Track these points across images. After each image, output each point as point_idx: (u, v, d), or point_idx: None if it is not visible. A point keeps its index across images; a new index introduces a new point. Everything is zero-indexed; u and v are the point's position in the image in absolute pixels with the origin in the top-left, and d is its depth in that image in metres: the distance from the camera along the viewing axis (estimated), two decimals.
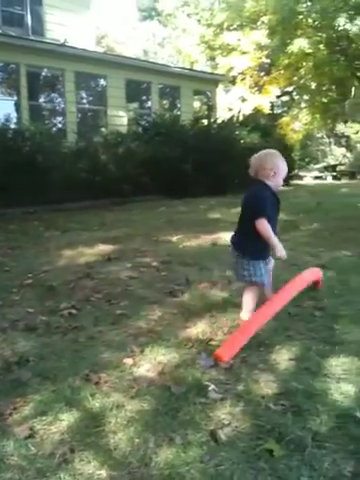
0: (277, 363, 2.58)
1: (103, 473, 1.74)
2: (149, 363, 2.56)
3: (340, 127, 29.12)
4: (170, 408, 2.11)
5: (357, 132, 27.82)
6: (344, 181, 19.55)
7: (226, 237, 6.28)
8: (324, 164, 25.27)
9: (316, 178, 20.68)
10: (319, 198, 10.71)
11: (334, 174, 21.34)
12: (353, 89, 21.68)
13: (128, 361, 2.58)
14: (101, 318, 3.31)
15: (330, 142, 31.40)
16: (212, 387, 2.25)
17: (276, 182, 3.13)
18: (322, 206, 9.33)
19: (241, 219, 3.23)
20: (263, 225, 2.98)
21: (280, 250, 2.99)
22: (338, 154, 29.99)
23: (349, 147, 29.52)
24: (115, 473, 1.73)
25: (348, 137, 29.26)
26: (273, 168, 3.07)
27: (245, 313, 3.18)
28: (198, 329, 3.04)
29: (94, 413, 2.09)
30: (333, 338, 2.88)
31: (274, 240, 3.00)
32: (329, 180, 20.27)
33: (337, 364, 2.54)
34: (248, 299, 3.19)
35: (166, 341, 2.85)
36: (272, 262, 3.31)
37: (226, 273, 4.47)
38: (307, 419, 2.03)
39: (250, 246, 3.11)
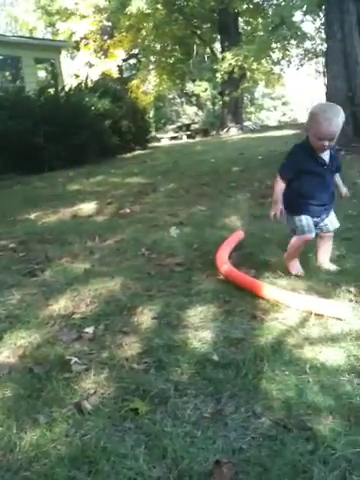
0: (140, 324, 2.63)
1: None
2: (8, 349, 2.45)
3: (189, 86, 29.81)
4: (33, 390, 2.06)
5: (205, 90, 28.71)
6: (198, 139, 20.16)
7: (86, 208, 6.22)
8: (179, 124, 25.79)
9: (172, 139, 21.04)
10: (175, 158, 10.97)
11: (188, 133, 21.90)
12: (195, 47, 22.20)
13: None
14: None
15: (182, 102, 32.08)
16: (75, 360, 2.23)
17: (313, 142, 2.85)
18: (178, 165, 9.57)
19: None
20: (274, 182, 3.00)
21: (272, 209, 2.95)
22: (191, 113, 30.81)
23: (200, 105, 30.43)
24: None
25: (198, 96, 30.08)
26: (310, 124, 2.83)
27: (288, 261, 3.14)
28: (60, 305, 2.97)
29: None
30: (191, 290, 3.00)
31: (274, 199, 2.96)
32: (184, 139, 20.77)
33: (195, 314, 2.67)
34: (290, 246, 3.11)
35: (26, 323, 2.74)
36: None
37: (87, 244, 4.42)
38: (169, 371, 2.11)
39: (284, 200, 2.99)
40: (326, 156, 2.93)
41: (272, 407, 1.83)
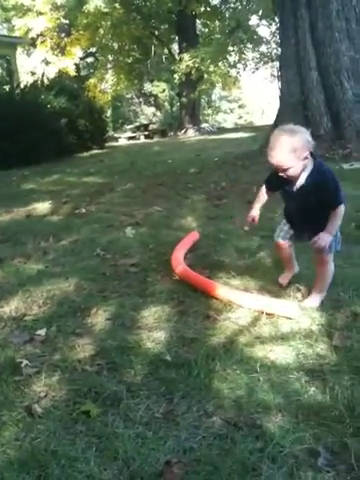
0: (93, 325, 2.61)
1: None
2: None
3: (147, 86, 29.78)
4: None
5: (163, 91, 28.74)
6: (156, 139, 20.16)
7: (41, 208, 6.11)
8: (137, 124, 25.70)
9: (130, 139, 20.93)
10: (133, 158, 10.94)
11: (146, 133, 21.86)
12: (153, 48, 22.20)
13: None
14: None
15: (140, 102, 31.99)
16: (25, 362, 2.19)
17: None
18: (135, 165, 9.54)
19: None
20: None
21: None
22: (149, 113, 30.78)
23: (158, 106, 30.44)
24: None
25: (156, 96, 30.09)
26: None
27: None
28: (11, 307, 2.91)
29: None
30: (146, 291, 3.00)
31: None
32: (142, 139, 20.71)
33: (149, 314, 2.67)
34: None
35: None
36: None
37: (41, 244, 4.34)
38: (122, 373, 2.11)
39: None
40: (298, 182, 2.52)
41: (223, 406, 1.85)
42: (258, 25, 20.55)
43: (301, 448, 1.61)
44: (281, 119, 8.56)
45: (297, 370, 2.04)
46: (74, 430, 1.77)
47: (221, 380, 2.00)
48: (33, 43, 22.54)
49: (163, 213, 5.15)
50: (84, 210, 5.73)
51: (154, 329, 2.49)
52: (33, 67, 23.05)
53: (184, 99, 20.45)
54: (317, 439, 1.66)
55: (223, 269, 3.24)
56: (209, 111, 36.63)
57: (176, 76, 18.62)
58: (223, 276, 3.12)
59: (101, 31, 20.39)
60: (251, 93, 39.54)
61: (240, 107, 41.91)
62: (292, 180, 2.51)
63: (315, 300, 2.64)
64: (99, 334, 2.51)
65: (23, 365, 2.19)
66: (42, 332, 2.55)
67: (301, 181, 2.51)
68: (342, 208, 2.47)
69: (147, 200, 5.99)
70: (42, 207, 6.12)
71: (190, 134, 19.65)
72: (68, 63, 22.22)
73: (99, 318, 2.69)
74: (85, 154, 13.44)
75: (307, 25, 8.13)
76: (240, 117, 40.96)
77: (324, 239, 2.43)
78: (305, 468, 1.54)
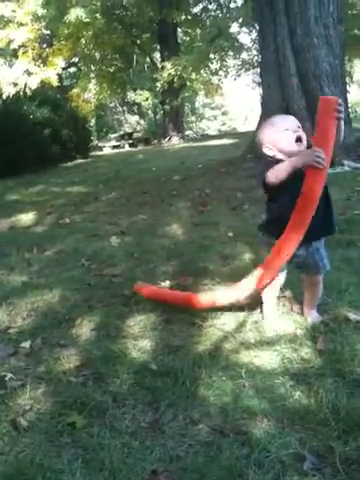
0: (78, 336, 2.60)
1: None
2: None
3: (131, 95, 29.81)
4: None
5: (147, 99, 28.76)
6: (140, 147, 20.19)
7: (25, 219, 6.07)
8: (121, 133, 25.71)
9: (115, 147, 20.94)
10: (117, 167, 10.93)
11: (131, 142, 21.89)
12: (135, 57, 22.26)
13: None
14: None
15: (124, 111, 32.01)
16: (10, 376, 2.17)
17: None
18: (120, 174, 9.54)
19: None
20: None
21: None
22: (132, 122, 30.83)
23: (141, 114, 30.49)
24: None
25: (139, 105, 30.13)
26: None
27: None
28: None
29: None
30: (131, 300, 2.99)
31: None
32: (127, 148, 20.72)
33: (135, 323, 2.67)
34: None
35: None
36: None
37: (25, 255, 4.31)
38: (107, 383, 2.10)
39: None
40: None
41: (209, 413, 1.85)
42: (239, 32, 20.72)
43: (287, 453, 1.62)
44: None
45: (282, 375, 2.05)
46: (60, 442, 1.76)
47: (207, 387, 2.00)
48: (15, 54, 22.48)
49: (148, 221, 5.16)
50: (68, 220, 5.71)
51: (139, 338, 2.49)
52: (15, 78, 22.96)
53: (167, 107, 20.49)
54: (303, 443, 1.66)
55: (207, 276, 3.25)
56: (193, 118, 36.77)
57: (158, 84, 18.66)
58: (207, 283, 3.13)
59: (83, 41, 20.37)
60: (234, 100, 39.83)
61: (223, 114, 42.16)
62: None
63: (315, 314, 2.55)
64: (84, 344, 2.50)
65: (7, 378, 2.17)
66: (26, 344, 2.53)
67: None
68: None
69: (132, 208, 5.99)
70: (26, 218, 6.09)
71: (174, 141, 19.69)
72: (50, 73, 22.13)
73: (84, 328, 2.68)
74: (69, 164, 13.40)
75: (286, 32, 8.20)
76: (223, 124, 41.20)
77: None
78: (291, 473, 1.54)
